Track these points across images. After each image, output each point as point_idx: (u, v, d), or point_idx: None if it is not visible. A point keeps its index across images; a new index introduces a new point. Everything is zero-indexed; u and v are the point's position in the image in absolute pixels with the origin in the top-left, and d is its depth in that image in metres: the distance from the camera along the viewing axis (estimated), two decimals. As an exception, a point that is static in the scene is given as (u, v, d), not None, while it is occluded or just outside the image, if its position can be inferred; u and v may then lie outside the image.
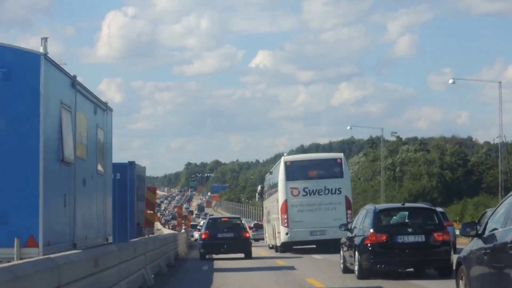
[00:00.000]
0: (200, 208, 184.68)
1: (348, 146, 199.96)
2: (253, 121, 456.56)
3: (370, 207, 18.91)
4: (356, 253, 18.04)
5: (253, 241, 53.17)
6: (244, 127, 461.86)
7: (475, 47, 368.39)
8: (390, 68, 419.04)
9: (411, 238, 17.61)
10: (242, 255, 30.16)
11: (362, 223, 18.68)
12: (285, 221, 32.61)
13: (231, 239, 29.80)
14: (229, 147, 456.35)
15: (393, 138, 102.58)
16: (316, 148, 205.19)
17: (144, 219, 25.27)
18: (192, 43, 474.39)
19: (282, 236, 32.79)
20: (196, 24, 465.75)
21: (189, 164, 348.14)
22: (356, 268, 18.11)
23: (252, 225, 65.45)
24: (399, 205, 19.15)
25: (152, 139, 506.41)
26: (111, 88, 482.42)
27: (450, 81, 53.26)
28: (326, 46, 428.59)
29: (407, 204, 19.19)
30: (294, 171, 33.13)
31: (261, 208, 70.21)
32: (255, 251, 38.22)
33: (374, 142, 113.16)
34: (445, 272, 17.90)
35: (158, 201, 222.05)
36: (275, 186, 35.16)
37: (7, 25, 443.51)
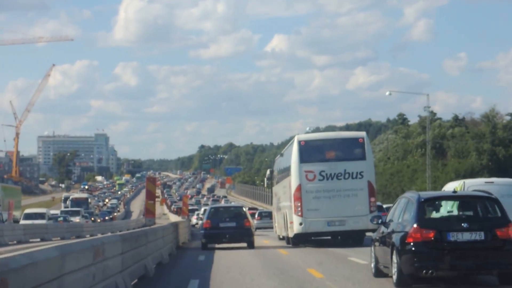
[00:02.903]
0: (211, 190, 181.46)
1: (366, 129, 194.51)
2: (268, 105, 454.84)
3: (412, 195, 14.78)
4: (395, 254, 13.94)
5: (257, 230, 49.41)
6: (259, 111, 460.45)
7: (491, 32, 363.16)
8: (406, 53, 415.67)
9: (466, 236, 13.50)
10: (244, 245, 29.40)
11: (402, 216, 14.56)
12: (299, 209, 28.36)
13: (233, 228, 29.27)
14: (243, 131, 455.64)
15: (426, 113, 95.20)
16: (332, 130, 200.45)
17: None
18: (208, 26, 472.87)
19: (295, 227, 28.57)
20: (213, 7, 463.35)
21: (202, 147, 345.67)
22: (394, 273, 14.02)
23: (256, 214, 60.86)
24: (449, 192, 14.94)
25: (167, 123, 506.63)
26: (127, 72, 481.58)
27: None
28: (342, 30, 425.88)
29: (460, 192, 14.94)
30: (310, 152, 28.85)
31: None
32: (261, 241, 34.51)
33: (405, 118, 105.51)
34: (509, 278, 13.82)
35: (170, 183, 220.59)
36: (287, 169, 30.98)
37: (24, 9, 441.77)
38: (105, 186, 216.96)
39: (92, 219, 70.22)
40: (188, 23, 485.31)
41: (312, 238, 30.25)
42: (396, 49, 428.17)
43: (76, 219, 59.87)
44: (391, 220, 15.17)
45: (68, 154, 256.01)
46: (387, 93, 66.92)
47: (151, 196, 28.53)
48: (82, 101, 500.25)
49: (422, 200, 14.10)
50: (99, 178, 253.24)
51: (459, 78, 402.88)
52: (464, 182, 21.46)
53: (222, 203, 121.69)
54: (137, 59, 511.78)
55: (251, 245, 29.23)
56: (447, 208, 15.25)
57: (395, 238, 14.05)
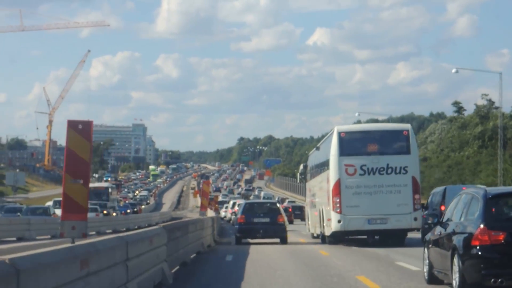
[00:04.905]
0: (249, 181, 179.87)
1: (408, 123, 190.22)
2: (308, 99, 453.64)
3: (476, 190, 12.75)
4: (456, 259, 11.93)
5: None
6: (299, 105, 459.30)
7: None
8: (448, 48, 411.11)
9: (542, 240, 11.45)
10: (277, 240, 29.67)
11: (465, 215, 12.52)
12: (338, 205, 26.28)
13: (267, 224, 29.66)
14: (283, 125, 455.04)
15: (484, 102, 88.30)
16: (375, 123, 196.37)
17: None
18: (250, 19, 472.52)
19: (333, 224, 26.51)
20: (256, 0, 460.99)
21: (241, 139, 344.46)
22: (455, 281, 12.00)
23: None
24: (521, 188, 12.89)
25: (207, 115, 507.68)
26: (168, 64, 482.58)
27: None
28: (385, 25, 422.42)
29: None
30: (350, 145, 26.79)
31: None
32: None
33: (461, 107, 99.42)
34: None
35: (208, 174, 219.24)
36: (324, 163, 28.94)
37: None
38: (139, 177, 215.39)
39: (105, 212, 57.16)
40: (230, 16, 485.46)
41: (350, 236, 28.31)
42: (439, 45, 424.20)
43: None
44: (449, 220, 13.16)
45: (102, 143, 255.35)
46: (454, 70, 61.54)
47: (78, 171, 13.22)
48: (123, 92, 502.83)
49: (490, 196, 12.06)
50: (152, 166, 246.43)
51: (502, 74, 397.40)
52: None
53: (256, 193, 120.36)
54: (179, 51, 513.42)
55: (284, 241, 29.39)
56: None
57: (457, 241, 12.04)
